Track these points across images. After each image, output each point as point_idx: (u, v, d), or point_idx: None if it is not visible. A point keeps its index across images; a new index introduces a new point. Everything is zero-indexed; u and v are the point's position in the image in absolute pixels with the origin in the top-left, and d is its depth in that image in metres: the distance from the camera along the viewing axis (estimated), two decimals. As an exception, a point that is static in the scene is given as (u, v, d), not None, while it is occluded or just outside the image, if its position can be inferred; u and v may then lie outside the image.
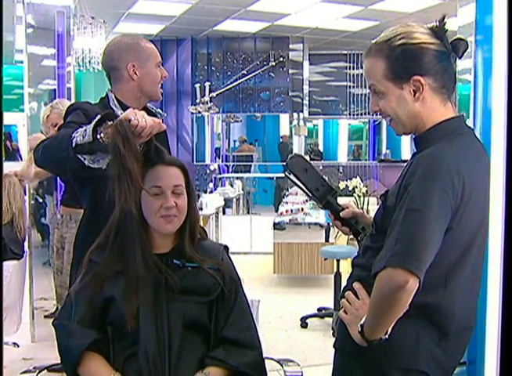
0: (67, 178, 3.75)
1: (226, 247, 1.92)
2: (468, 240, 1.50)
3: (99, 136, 1.65)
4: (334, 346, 1.65)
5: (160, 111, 2.34)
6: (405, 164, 1.55)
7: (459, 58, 1.57)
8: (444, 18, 1.55)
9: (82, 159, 1.72)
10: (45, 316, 4.41)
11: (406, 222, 1.40)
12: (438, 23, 1.54)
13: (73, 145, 1.70)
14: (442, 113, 1.54)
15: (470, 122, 2.46)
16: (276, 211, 7.33)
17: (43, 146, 1.90)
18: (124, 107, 2.15)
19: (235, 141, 11.47)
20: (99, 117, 1.68)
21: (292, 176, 1.79)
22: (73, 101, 4.74)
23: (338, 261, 4.95)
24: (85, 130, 1.68)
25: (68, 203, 3.84)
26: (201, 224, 1.96)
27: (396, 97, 1.53)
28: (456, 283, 1.51)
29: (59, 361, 1.83)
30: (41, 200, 5.30)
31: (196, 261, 1.80)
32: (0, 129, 1.21)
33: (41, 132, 3.93)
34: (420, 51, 1.51)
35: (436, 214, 1.40)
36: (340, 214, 1.79)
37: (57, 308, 4.32)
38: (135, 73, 2.19)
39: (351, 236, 1.85)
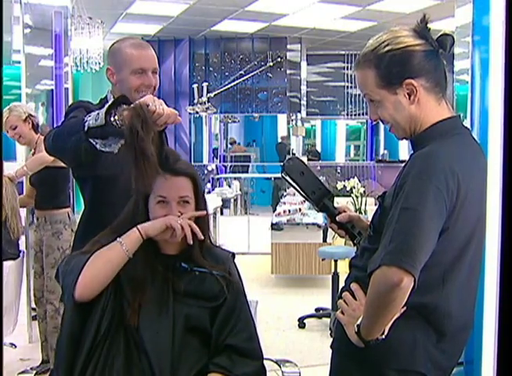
0: (41, 180, 3.75)
1: (233, 255, 1.91)
2: (465, 240, 1.50)
3: (112, 118, 1.63)
4: (331, 347, 1.65)
5: None
6: (403, 164, 1.55)
7: (448, 53, 1.57)
8: (425, 17, 1.54)
9: (94, 143, 1.71)
10: (33, 317, 4.35)
11: (401, 220, 1.41)
12: (419, 23, 1.54)
13: (86, 128, 1.68)
14: (438, 112, 1.54)
15: (467, 122, 2.46)
16: (274, 211, 7.33)
17: (54, 133, 1.89)
18: None
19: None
20: (112, 100, 1.68)
21: (288, 178, 1.78)
22: (70, 101, 4.74)
23: (336, 261, 4.95)
24: (98, 113, 1.67)
25: (41, 205, 3.84)
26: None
27: (392, 103, 1.53)
28: (454, 284, 1.51)
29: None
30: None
31: (204, 266, 1.79)
32: (0, 129, 1.22)
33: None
34: (407, 54, 1.51)
35: (431, 212, 1.40)
36: (337, 218, 1.78)
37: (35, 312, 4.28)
38: (113, 77, 2.15)
39: (349, 239, 1.85)
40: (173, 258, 1.79)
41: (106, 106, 1.66)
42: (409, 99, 1.52)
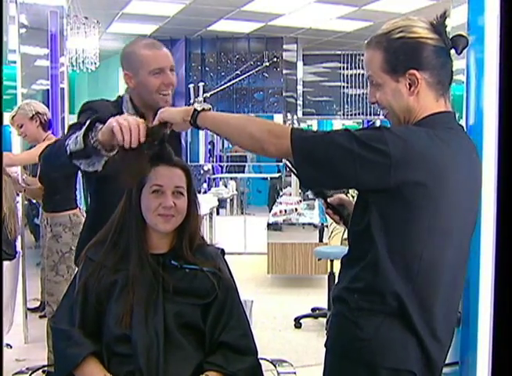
0: (47, 182, 3.76)
1: (223, 251, 1.93)
2: (448, 234, 1.50)
3: (93, 141, 1.66)
4: (325, 345, 1.65)
5: None
6: None
7: (458, 54, 1.56)
8: (445, 13, 1.54)
9: (78, 164, 1.74)
10: (41, 316, 4.41)
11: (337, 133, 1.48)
12: (438, 18, 1.54)
13: (68, 152, 1.71)
14: (432, 108, 1.54)
15: (462, 122, 2.47)
16: (270, 211, 7.34)
17: (44, 154, 1.94)
18: (138, 111, 2.15)
19: (229, 141, 11.43)
20: (87, 123, 1.70)
21: (288, 163, 1.82)
22: (66, 101, 4.73)
23: (332, 261, 4.96)
24: (76, 137, 1.70)
25: (44, 207, 3.85)
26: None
27: (392, 90, 1.54)
28: (443, 283, 1.52)
29: (52, 362, 1.83)
30: (34, 201, 5.28)
31: (194, 263, 1.80)
32: (0, 129, 1.23)
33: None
34: (418, 45, 1.51)
35: (359, 144, 1.42)
36: (328, 199, 1.82)
37: (41, 303, 4.35)
38: (131, 81, 2.15)
39: (343, 226, 1.88)
40: (163, 256, 1.81)
41: (83, 129, 1.69)
42: (409, 89, 1.52)
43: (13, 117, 3.76)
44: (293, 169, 1.80)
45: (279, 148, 1.52)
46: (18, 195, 4.34)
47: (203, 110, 1.68)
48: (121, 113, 2.08)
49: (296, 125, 10.06)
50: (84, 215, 3.97)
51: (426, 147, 1.44)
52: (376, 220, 1.47)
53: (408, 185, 1.43)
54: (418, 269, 1.47)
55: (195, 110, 1.68)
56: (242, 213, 9.05)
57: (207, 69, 9.87)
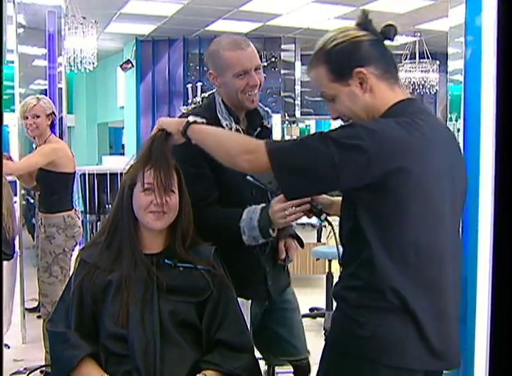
0: (44, 182, 3.75)
1: (216, 250, 1.93)
2: (438, 216, 1.51)
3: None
4: (325, 340, 1.65)
5: (268, 110, 2.26)
6: None
7: (391, 40, 1.62)
8: (364, 12, 1.65)
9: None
10: (38, 317, 4.40)
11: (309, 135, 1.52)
12: (361, 17, 1.63)
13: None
14: (392, 97, 1.58)
15: (461, 122, 2.47)
16: (268, 211, 7.33)
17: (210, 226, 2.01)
18: (232, 113, 2.11)
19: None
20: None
21: (250, 178, 1.83)
22: (64, 101, 4.71)
23: (330, 261, 4.95)
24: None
25: (39, 207, 3.85)
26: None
27: (347, 95, 1.57)
28: (444, 266, 1.53)
29: (49, 362, 1.84)
30: (32, 201, 5.28)
31: (188, 261, 1.81)
32: (0, 129, 1.23)
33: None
34: (354, 44, 1.57)
35: (336, 146, 1.43)
36: None
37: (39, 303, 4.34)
38: (216, 81, 2.12)
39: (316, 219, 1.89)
40: (157, 255, 1.81)
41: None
42: (362, 87, 1.56)
43: (34, 105, 3.70)
44: (256, 183, 1.83)
45: (254, 163, 1.54)
46: (16, 195, 4.34)
47: (195, 122, 1.71)
48: (216, 117, 2.06)
49: (294, 125, 10.07)
50: (80, 217, 3.97)
51: (398, 134, 1.46)
52: (365, 216, 1.49)
53: (391, 173, 1.45)
54: (416, 256, 1.48)
55: (187, 121, 1.71)
56: (240, 213, 9.03)
57: (205, 69, 9.85)
